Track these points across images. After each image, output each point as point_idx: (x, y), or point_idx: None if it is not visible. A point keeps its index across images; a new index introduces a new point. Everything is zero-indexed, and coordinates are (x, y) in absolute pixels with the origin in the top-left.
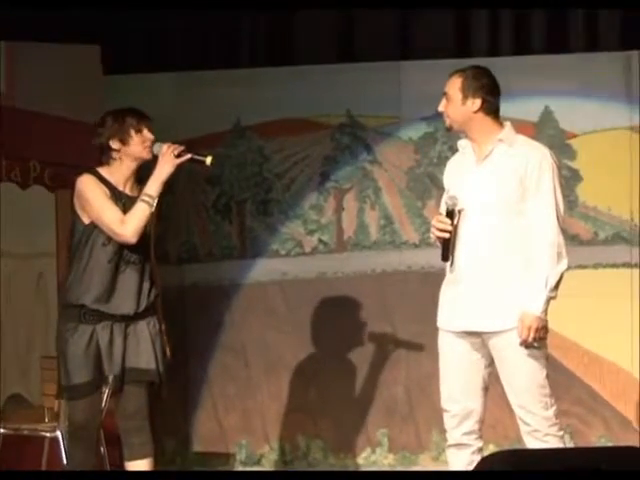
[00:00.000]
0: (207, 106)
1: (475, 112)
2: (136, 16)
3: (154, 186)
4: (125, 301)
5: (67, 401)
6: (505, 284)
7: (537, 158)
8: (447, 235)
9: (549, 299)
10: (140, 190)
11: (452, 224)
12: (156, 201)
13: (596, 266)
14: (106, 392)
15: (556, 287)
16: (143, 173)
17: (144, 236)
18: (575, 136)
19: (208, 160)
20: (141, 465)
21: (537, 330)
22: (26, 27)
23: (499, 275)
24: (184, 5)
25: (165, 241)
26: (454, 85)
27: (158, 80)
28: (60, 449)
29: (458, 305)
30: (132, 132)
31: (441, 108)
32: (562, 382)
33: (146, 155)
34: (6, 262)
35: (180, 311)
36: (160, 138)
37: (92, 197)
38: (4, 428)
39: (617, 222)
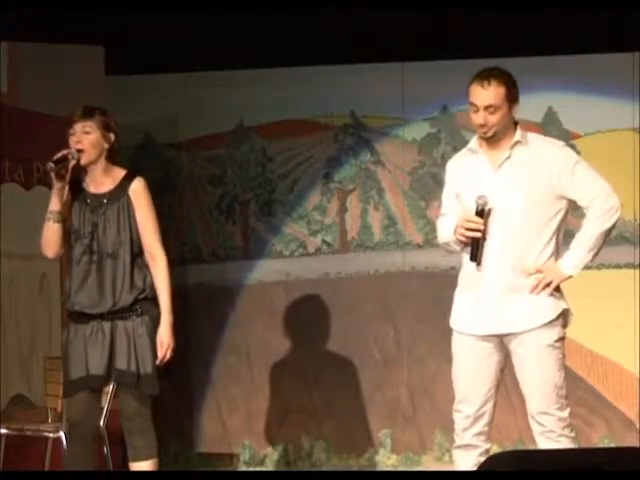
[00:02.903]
0: (210, 107)
1: (512, 116)
2: (139, 17)
3: (51, 202)
4: (98, 297)
5: (65, 398)
6: (530, 285)
7: (555, 151)
8: (479, 235)
9: (586, 261)
10: (111, 187)
11: (484, 224)
12: (58, 216)
13: (599, 267)
14: (108, 392)
15: (596, 249)
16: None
17: (123, 232)
18: (579, 137)
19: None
20: (145, 466)
21: (549, 285)
22: (29, 27)
23: (525, 276)
24: (187, 6)
25: (168, 241)
26: (498, 95)
27: (161, 81)
28: (63, 449)
29: (481, 308)
30: (69, 132)
31: (483, 120)
32: (565, 382)
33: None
34: (9, 262)
35: (183, 311)
36: (164, 138)
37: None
38: (7, 428)
39: (620, 223)
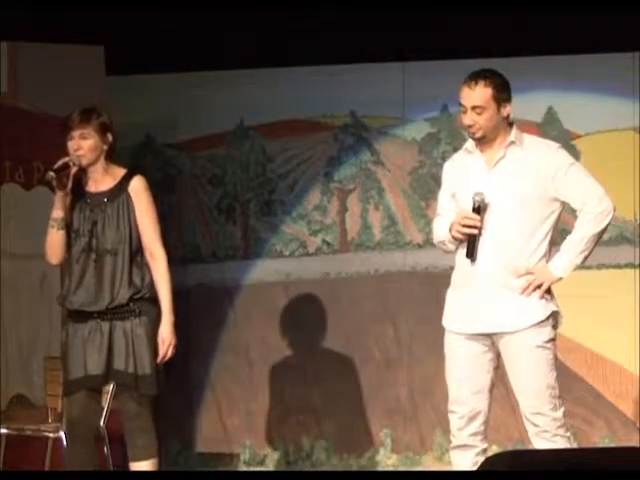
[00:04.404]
0: (210, 106)
1: (504, 117)
2: (139, 17)
3: (54, 209)
4: (96, 295)
5: (65, 398)
6: (521, 286)
7: (550, 153)
8: (476, 231)
9: (576, 263)
10: (111, 186)
11: (480, 220)
12: (62, 222)
13: (599, 266)
14: (109, 392)
15: (587, 252)
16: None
17: (123, 230)
18: (579, 137)
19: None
20: (145, 466)
21: (540, 287)
22: (29, 27)
23: (516, 274)
24: (187, 5)
25: (168, 241)
26: (484, 96)
27: (161, 81)
28: (63, 449)
29: (472, 307)
30: (66, 136)
31: (470, 121)
32: (565, 382)
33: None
34: (10, 262)
35: (183, 311)
36: (164, 138)
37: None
38: (7, 428)
39: (621, 223)
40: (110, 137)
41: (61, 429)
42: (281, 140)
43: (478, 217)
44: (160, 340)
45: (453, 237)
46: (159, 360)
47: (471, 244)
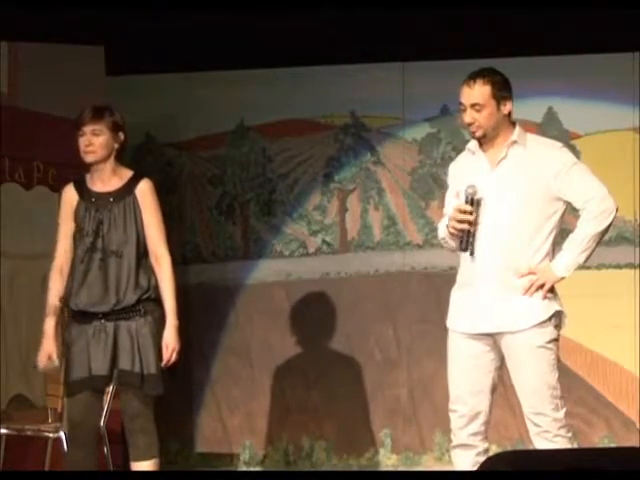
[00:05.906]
0: (210, 106)
1: (505, 115)
2: (139, 16)
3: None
4: (101, 296)
5: (67, 398)
6: (524, 285)
7: (553, 152)
8: (467, 227)
9: (578, 262)
10: (117, 186)
11: (473, 212)
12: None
13: (599, 267)
14: (109, 392)
15: (589, 251)
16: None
17: (129, 231)
18: (579, 137)
19: None
20: (146, 466)
21: (543, 287)
22: (29, 27)
23: (518, 274)
24: (187, 5)
25: (168, 241)
26: (483, 94)
27: (161, 81)
28: (63, 449)
29: (474, 307)
30: (77, 132)
31: (470, 119)
32: (565, 382)
33: (85, 159)
34: (10, 263)
35: (184, 312)
36: (164, 138)
37: (60, 210)
38: (7, 429)
39: (621, 223)
40: (122, 136)
41: (61, 429)
42: (281, 140)
43: (470, 208)
44: (164, 345)
45: (450, 233)
46: (163, 364)
47: (465, 235)
